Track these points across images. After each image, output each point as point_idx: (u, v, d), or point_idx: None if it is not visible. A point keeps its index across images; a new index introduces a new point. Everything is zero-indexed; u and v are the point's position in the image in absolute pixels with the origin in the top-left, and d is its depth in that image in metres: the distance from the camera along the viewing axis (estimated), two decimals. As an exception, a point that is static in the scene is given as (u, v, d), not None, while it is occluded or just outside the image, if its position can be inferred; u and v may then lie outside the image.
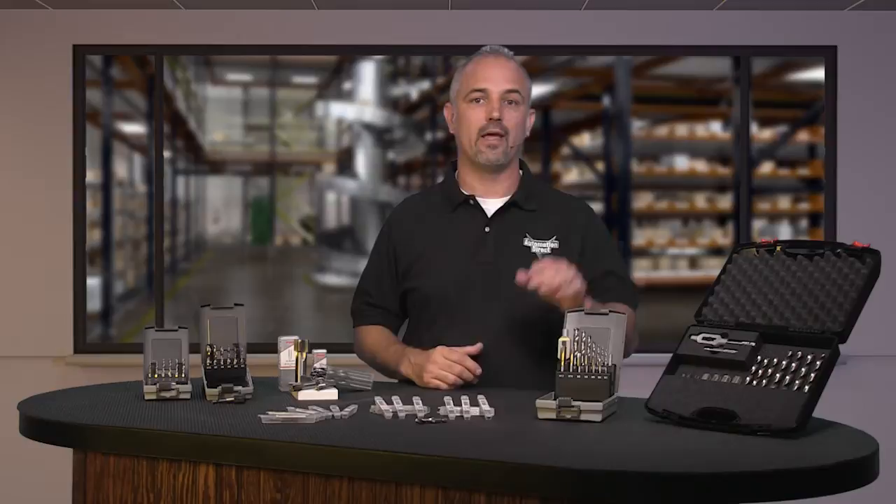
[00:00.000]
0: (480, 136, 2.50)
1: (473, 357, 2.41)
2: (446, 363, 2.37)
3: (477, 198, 2.57)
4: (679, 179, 6.25)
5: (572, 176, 6.20)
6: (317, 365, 2.30)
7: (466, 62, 2.58)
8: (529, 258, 2.48)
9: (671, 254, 6.35)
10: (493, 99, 2.49)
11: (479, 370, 2.38)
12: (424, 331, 2.54)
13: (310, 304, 6.72)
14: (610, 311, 2.14)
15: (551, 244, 2.51)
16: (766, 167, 6.09)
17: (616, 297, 2.49)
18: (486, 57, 2.55)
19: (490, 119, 2.48)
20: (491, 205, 2.56)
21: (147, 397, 2.24)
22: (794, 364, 1.98)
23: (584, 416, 2.00)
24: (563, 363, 2.08)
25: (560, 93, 6.04)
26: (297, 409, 2.08)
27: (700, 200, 6.29)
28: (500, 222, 2.54)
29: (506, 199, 2.56)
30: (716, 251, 6.28)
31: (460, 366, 2.37)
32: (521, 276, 2.30)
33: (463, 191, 2.58)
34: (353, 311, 2.69)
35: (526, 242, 2.51)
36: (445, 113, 2.63)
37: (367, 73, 6.30)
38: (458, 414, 2.06)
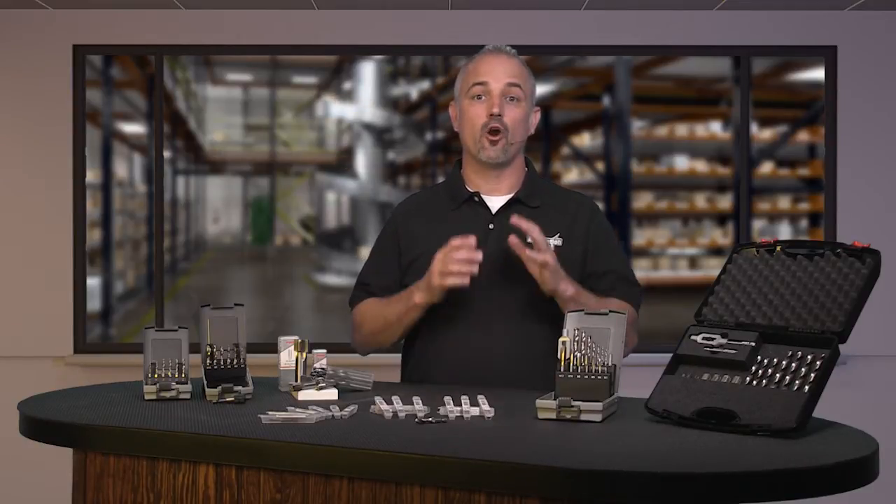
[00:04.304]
0: (483, 133, 2.50)
1: (478, 347, 2.44)
2: (446, 260, 2.35)
3: (481, 195, 2.57)
4: (679, 179, 6.25)
5: (572, 176, 6.20)
6: (317, 365, 2.30)
7: (469, 60, 2.59)
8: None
9: (671, 254, 6.35)
10: (493, 94, 2.49)
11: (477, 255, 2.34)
12: (426, 326, 2.53)
13: (310, 304, 6.72)
14: (610, 311, 2.14)
15: (555, 241, 2.51)
16: (766, 167, 6.09)
17: (618, 296, 2.50)
18: (487, 54, 2.56)
19: (491, 115, 2.48)
20: (495, 202, 2.57)
21: (147, 397, 2.24)
22: (794, 364, 1.98)
23: (584, 416, 2.00)
24: (563, 363, 2.08)
25: (560, 93, 6.05)
26: (297, 409, 2.08)
27: (700, 200, 6.29)
28: (503, 219, 2.54)
29: (510, 196, 2.57)
30: (716, 251, 6.28)
31: (457, 256, 2.34)
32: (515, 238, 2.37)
33: (467, 188, 2.59)
34: (350, 300, 2.68)
35: (530, 239, 2.51)
36: (450, 111, 2.64)
37: (367, 73, 6.30)
38: (458, 414, 2.06)
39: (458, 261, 2.34)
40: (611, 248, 2.59)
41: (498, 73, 2.51)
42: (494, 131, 2.49)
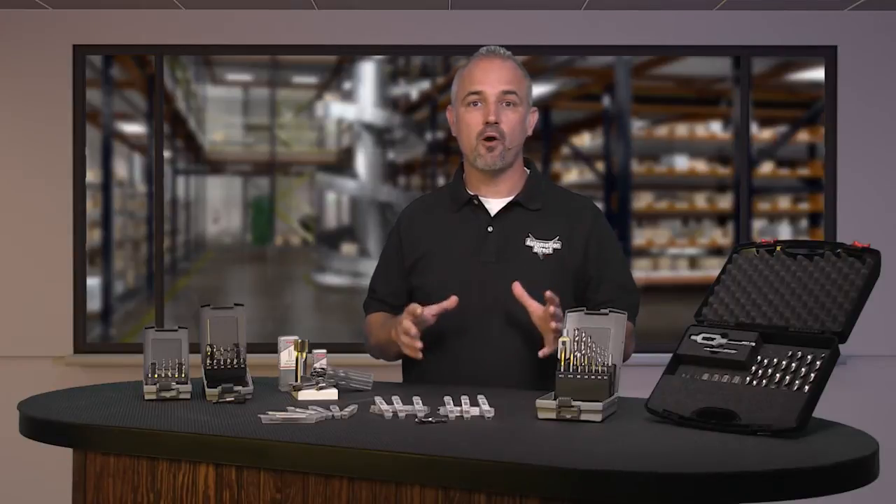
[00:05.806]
0: (479, 140, 2.50)
1: (471, 347, 2.45)
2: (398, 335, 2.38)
3: (481, 198, 2.57)
4: (679, 179, 6.24)
5: (572, 176, 6.19)
6: (317, 365, 2.30)
7: (464, 65, 2.59)
8: (531, 258, 2.48)
9: (671, 254, 6.34)
10: (489, 102, 2.49)
11: (412, 330, 2.35)
12: (426, 329, 2.54)
13: (310, 304, 6.71)
14: (610, 311, 2.14)
15: (553, 245, 2.51)
16: (766, 167, 6.08)
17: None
18: (482, 59, 2.55)
19: (486, 122, 2.48)
20: (495, 204, 2.57)
21: (147, 397, 2.24)
22: (794, 364, 1.98)
23: (584, 416, 2.01)
24: (563, 363, 2.08)
25: (560, 93, 6.04)
26: (297, 409, 2.08)
27: (700, 200, 6.29)
28: (503, 222, 2.54)
29: (509, 198, 2.56)
30: (716, 251, 6.27)
31: (405, 332, 2.36)
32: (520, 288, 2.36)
33: (468, 191, 2.59)
34: (363, 306, 2.74)
35: (528, 242, 2.51)
36: (448, 116, 2.64)
37: (367, 73, 6.30)
38: (458, 414, 2.06)
39: (407, 338, 2.35)
40: (611, 255, 2.57)
41: (492, 80, 2.50)
42: (490, 138, 2.49)
